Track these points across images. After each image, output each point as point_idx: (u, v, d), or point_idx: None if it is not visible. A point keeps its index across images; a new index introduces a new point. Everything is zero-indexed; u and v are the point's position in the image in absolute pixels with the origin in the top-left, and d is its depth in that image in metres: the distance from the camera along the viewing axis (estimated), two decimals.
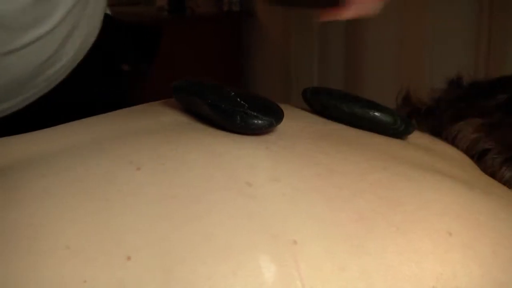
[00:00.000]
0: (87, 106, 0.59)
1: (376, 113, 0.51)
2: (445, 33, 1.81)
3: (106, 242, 0.34)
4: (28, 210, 0.37)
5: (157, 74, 2.78)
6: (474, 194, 0.44)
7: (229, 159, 0.41)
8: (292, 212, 0.38)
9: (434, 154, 0.52)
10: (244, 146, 0.43)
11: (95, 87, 0.93)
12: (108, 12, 0.96)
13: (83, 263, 0.33)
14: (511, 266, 0.40)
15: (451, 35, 1.80)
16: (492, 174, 0.54)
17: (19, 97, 0.83)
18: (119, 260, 0.34)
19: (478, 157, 0.56)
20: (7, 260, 0.34)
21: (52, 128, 0.50)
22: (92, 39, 0.90)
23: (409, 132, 0.52)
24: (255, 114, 0.44)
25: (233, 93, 0.46)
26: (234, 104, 0.45)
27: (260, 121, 0.44)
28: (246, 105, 0.45)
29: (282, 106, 0.48)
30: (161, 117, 0.49)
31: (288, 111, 0.48)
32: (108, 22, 0.94)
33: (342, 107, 0.52)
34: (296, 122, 0.50)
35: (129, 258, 0.34)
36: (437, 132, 0.60)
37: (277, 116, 0.46)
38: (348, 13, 0.41)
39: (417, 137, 0.54)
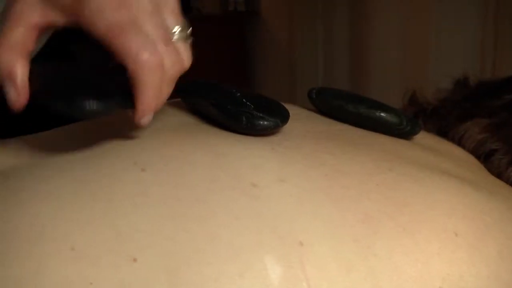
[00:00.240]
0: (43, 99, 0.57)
1: (382, 114, 0.51)
2: (451, 33, 1.80)
3: (111, 243, 0.34)
4: (33, 212, 0.36)
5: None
6: (480, 194, 0.43)
7: (235, 159, 0.41)
8: (298, 213, 0.38)
9: (440, 154, 0.52)
10: (250, 146, 0.43)
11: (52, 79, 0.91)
12: None
13: (89, 264, 0.33)
14: None
15: (456, 35, 1.79)
16: (499, 175, 0.54)
17: None
18: (125, 261, 0.34)
19: (485, 158, 0.56)
20: (12, 262, 0.34)
21: (56, 129, 0.50)
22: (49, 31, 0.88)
23: (415, 133, 0.52)
24: (260, 115, 0.44)
25: (238, 94, 0.46)
26: (240, 105, 0.45)
27: (265, 122, 0.44)
28: (252, 106, 0.45)
29: (288, 106, 0.48)
30: (166, 117, 0.49)
31: (294, 112, 0.48)
32: None
33: (348, 108, 0.52)
34: (302, 123, 0.50)
35: (135, 259, 0.34)
36: (444, 132, 0.60)
37: (283, 117, 0.46)
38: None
39: (423, 137, 0.54)
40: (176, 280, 0.33)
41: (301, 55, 2.69)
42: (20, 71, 0.40)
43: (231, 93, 0.47)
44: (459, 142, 0.58)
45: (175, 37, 0.42)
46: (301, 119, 0.50)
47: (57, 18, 0.41)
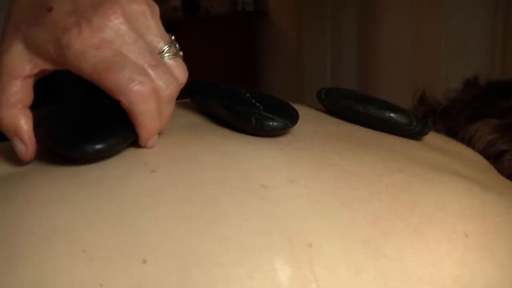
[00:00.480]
0: None
1: (392, 114, 0.51)
2: (460, 33, 1.80)
3: (122, 245, 0.34)
4: (43, 214, 0.36)
5: None
6: (490, 195, 0.43)
7: (244, 160, 0.41)
8: (307, 214, 0.38)
9: (450, 155, 0.51)
10: (259, 147, 0.43)
11: None
12: None
13: (100, 266, 0.33)
14: None
15: (466, 35, 1.79)
16: (509, 176, 0.54)
17: None
18: (135, 263, 0.34)
19: (495, 158, 0.56)
20: (23, 265, 0.34)
21: None
22: None
23: (425, 133, 0.52)
24: (270, 116, 0.44)
25: (248, 95, 0.46)
26: (249, 106, 0.45)
27: (275, 123, 0.44)
28: (261, 107, 0.45)
29: (297, 106, 0.48)
30: (176, 118, 0.49)
31: (303, 112, 0.48)
32: None
33: (357, 108, 0.52)
34: (311, 123, 0.49)
35: (145, 261, 0.34)
36: (453, 132, 0.60)
37: (292, 118, 0.45)
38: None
39: (433, 138, 0.54)
40: (186, 281, 0.33)
41: (309, 55, 2.69)
42: (26, 125, 0.41)
43: (240, 93, 0.47)
44: (469, 143, 0.58)
45: (165, 56, 0.42)
46: (310, 120, 0.50)
47: (46, 66, 0.41)
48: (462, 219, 0.40)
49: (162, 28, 0.43)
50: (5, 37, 0.42)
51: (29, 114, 0.42)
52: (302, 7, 2.72)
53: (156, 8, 0.43)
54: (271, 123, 0.44)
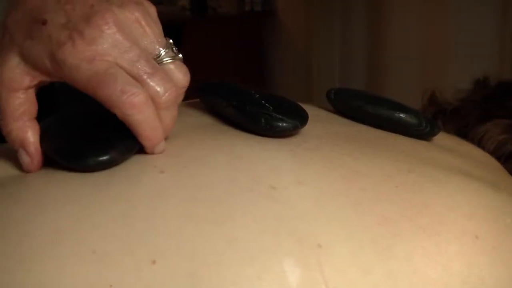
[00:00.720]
0: None
1: (402, 115, 0.51)
2: (470, 33, 1.79)
3: (131, 245, 0.34)
4: (52, 215, 0.37)
5: None
6: (501, 196, 0.43)
7: (253, 161, 0.41)
8: (316, 215, 0.37)
9: (460, 155, 0.51)
10: (268, 148, 0.43)
11: None
12: None
13: (109, 267, 0.33)
14: None
15: (475, 35, 1.78)
16: None
17: None
18: (145, 263, 0.34)
19: (505, 159, 0.55)
20: (33, 265, 0.34)
21: None
22: None
23: (435, 134, 0.52)
24: (280, 116, 0.44)
25: (258, 95, 0.46)
26: (259, 107, 0.45)
27: (284, 124, 0.44)
28: (271, 108, 0.45)
29: (306, 107, 0.48)
30: (185, 118, 0.49)
31: (312, 112, 0.48)
32: None
33: (367, 108, 0.51)
34: (320, 124, 0.49)
35: (154, 261, 0.34)
36: (463, 133, 0.60)
37: (302, 119, 0.45)
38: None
39: (443, 138, 0.54)
40: (195, 282, 0.33)
41: (318, 55, 2.68)
42: (32, 137, 0.42)
43: (250, 94, 0.46)
44: (479, 143, 0.58)
45: (164, 60, 0.42)
46: (319, 120, 0.50)
47: (44, 78, 0.41)
48: (472, 220, 0.40)
49: (158, 32, 0.42)
50: (2, 50, 0.42)
51: (35, 126, 0.42)
52: (311, 7, 2.71)
53: (152, 10, 0.43)
54: (280, 124, 0.44)
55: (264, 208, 0.37)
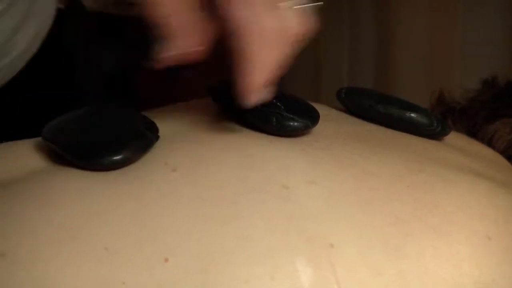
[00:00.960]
0: (42, 103, 0.58)
1: (413, 114, 0.51)
2: (478, 32, 1.78)
3: (143, 243, 0.35)
4: (64, 211, 0.37)
5: (185, 72, 2.80)
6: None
7: (265, 160, 0.41)
8: (328, 215, 0.37)
9: (470, 155, 0.51)
10: (280, 147, 0.43)
11: (50, 83, 0.92)
12: (61, 6, 0.94)
13: (122, 264, 0.34)
14: None
15: (484, 34, 1.77)
16: None
17: None
18: (157, 261, 0.34)
19: None
20: (45, 261, 0.34)
21: None
22: (44, 32, 0.88)
23: (446, 133, 0.52)
24: (291, 116, 0.44)
25: None
26: (270, 106, 0.45)
27: (296, 123, 0.44)
28: (282, 107, 0.45)
29: (317, 106, 0.48)
30: (196, 116, 0.49)
31: (323, 112, 0.48)
32: (63, 16, 0.92)
33: (378, 108, 0.51)
34: (331, 123, 0.49)
35: (166, 259, 0.34)
36: (472, 133, 0.60)
37: (313, 119, 0.45)
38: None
39: (453, 138, 0.54)
40: (208, 281, 0.33)
41: (326, 55, 2.68)
42: None
43: None
44: (489, 143, 0.58)
45: (287, 4, 0.40)
46: (330, 120, 0.50)
47: None
48: (483, 220, 0.40)
49: None
50: None
51: None
52: (319, 6, 2.71)
53: None
54: (292, 124, 0.44)
55: (275, 207, 0.37)
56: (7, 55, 0.82)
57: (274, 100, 0.45)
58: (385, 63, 2.27)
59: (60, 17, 0.90)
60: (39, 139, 0.45)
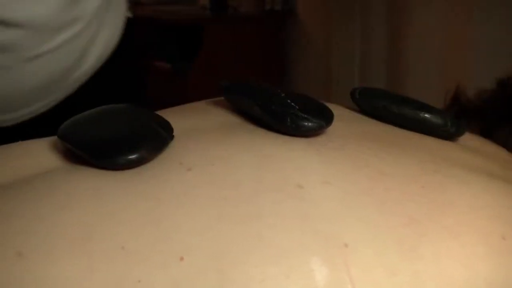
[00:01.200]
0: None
1: (427, 115, 0.50)
2: (492, 31, 1.78)
3: (159, 242, 0.35)
4: (80, 211, 0.37)
5: (198, 72, 2.81)
6: None
7: (279, 160, 0.41)
8: (343, 215, 0.37)
9: (486, 156, 0.51)
10: (294, 148, 0.43)
11: (118, 87, 0.94)
12: (130, 14, 0.97)
13: (138, 263, 0.34)
14: None
15: (498, 33, 1.77)
16: None
17: (46, 99, 0.85)
18: (173, 260, 0.34)
19: None
20: (61, 259, 0.34)
21: None
22: (115, 39, 0.91)
23: (460, 134, 0.52)
24: (305, 116, 0.44)
25: (283, 95, 0.46)
26: (285, 106, 0.45)
27: (310, 123, 0.44)
28: (297, 107, 0.45)
29: (331, 106, 0.48)
30: (211, 116, 0.50)
31: (337, 112, 0.48)
32: (130, 23, 0.95)
33: (392, 108, 0.51)
34: (345, 123, 0.49)
35: (182, 258, 0.34)
36: (487, 133, 0.59)
37: (327, 118, 0.45)
38: None
39: (467, 139, 0.54)
40: (224, 280, 0.33)
41: (338, 55, 2.68)
42: None
43: (275, 93, 0.47)
44: (504, 144, 0.57)
45: None
46: (344, 120, 0.50)
47: None
48: (498, 221, 0.39)
49: None
50: None
51: None
52: (331, 6, 2.71)
53: None
54: (306, 124, 0.44)
55: (290, 207, 0.37)
56: (82, 66, 0.85)
57: (289, 100, 0.45)
58: (397, 64, 2.27)
59: (129, 25, 0.93)
60: (54, 138, 0.45)
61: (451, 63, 1.95)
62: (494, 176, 0.45)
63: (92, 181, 0.40)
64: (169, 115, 0.47)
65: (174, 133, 0.44)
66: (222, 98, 0.52)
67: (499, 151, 0.55)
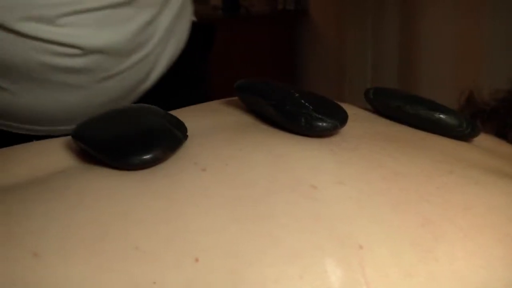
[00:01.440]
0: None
1: (442, 115, 0.50)
2: (505, 31, 1.77)
3: (173, 242, 0.35)
4: (94, 210, 0.37)
5: (211, 72, 2.81)
6: None
7: (294, 161, 0.41)
8: (357, 216, 0.37)
9: (500, 156, 0.51)
10: (309, 148, 0.43)
11: (180, 93, 0.95)
12: (194, 18, 0.99)
13: (153, 264, 0.34)
14: None
15: (510, 33, 1.76)
16: None
17: None
18: (187, 261, 0.34)
19: None
20: (75, 259, 0.34)
21: None
22: (181, 45, 0.93)
23: (475, 135, 0.51)
24: (320, 116, 0.44)
25: (297, 95, 0.46)
26: (299, 106, 0.45)
27: (324, 124, 0.44)
28: (311, 107, 0.45)
29: (345, 106, 0.48)
30: (225, 116, 0.50)
31: (351, 112, 0.48)
32: (195, 27, 0.97)
33: (406, 109, 0.51)
34: (360, 124, 0.49)
35: (197, 259, 0.34)
36: (503, 134, 0.59)
37: (342, 119, 0.45)
38: None
39: (482, 139, 0.53)
40: (239, 281, 0.33)
41: (350, 54, 2.67)
42: None
43: (289, 93, 0.46)
44: None
45: None
46: (358, 120, 0.50)
47: None
48: None
49: None
50: None
51: None
52: (343, 6, 2.71)
53: None
54: (320, 124, 0.44)
55: (305, 207, 0.37)
56: (147, 81, 0.89)
57: (303, 100, 0.45)
58: (409, 63, 2.26)
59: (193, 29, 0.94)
60: (69, 138, 0.45)
61: (465, 62, 1.94)
62: (509, 177, 0.44)
63: (106, 181, 0.40)
64: (183, 115, 0.47)
65: (188, 133, 0.44)
66: (236, 98, 0.52)
67: None
